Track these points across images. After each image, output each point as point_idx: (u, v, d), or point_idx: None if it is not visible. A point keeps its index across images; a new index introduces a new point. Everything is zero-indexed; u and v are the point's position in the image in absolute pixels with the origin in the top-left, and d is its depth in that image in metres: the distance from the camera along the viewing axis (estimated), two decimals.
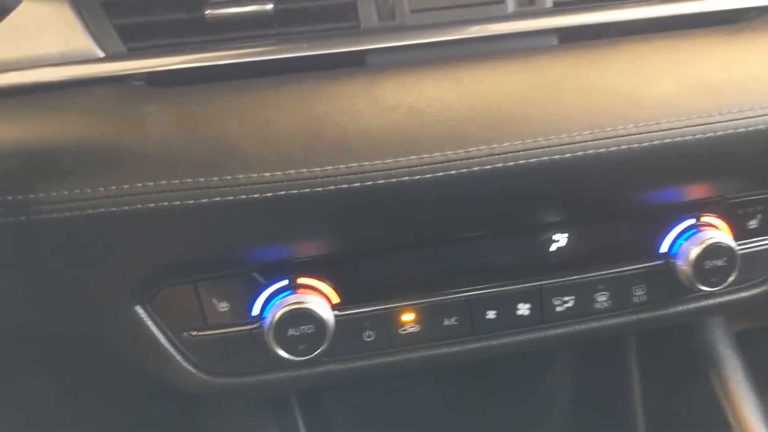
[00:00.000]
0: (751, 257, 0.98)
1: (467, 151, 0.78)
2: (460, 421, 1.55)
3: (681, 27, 0.90)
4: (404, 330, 0.94)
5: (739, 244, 0.95)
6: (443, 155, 0.78)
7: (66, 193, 0.77)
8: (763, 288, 1.03)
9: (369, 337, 0.93)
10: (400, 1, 0.87)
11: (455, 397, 1.56)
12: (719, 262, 0.92)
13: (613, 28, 0.90)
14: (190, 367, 0.92)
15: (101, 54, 0.83)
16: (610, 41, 0.89)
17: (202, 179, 0.76)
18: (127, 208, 0.77)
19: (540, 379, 1.59)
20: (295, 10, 0.86)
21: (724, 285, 0.94)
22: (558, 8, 0.90)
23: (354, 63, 0.86)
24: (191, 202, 0.76)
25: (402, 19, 0.87)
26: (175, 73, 0.83)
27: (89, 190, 0.77)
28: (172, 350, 0.91)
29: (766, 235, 0.99)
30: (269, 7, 0.84)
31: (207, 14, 0.84)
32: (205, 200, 0.77)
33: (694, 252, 0.92)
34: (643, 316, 1.00)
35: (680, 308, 1.01)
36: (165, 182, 0.76)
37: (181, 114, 0.79)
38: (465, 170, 0.79)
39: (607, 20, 0.89)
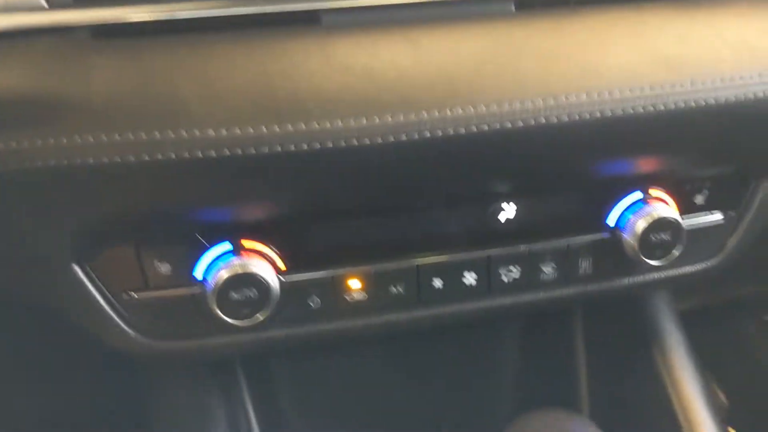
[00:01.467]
0: (696, 232, 1.00)
1: (418, 116, 0.77)
2: (406, 389, 1.56)
3: None
4: (350, 297, 0.93)
5: (685, 219, 0.96)
6: (393, 119, 0.77)
7: (2, 145, 0.74)
8: (708, 263, 1.05)
9: (314, 303, 0.92)
10: None
11: (402, 366, 1.57)
12: (665, 236, 0.93)
13: None
14: (129, 330, 0.90)
15: (45, 4, 0.79)
16: (569, 10, 0.87)
17: (143, 135, 0.74)
18: (65, 162, 0.74)
19: (486, 356, 1.60)
20: None
21: (669, 259, 0.96)
22: None
23: (308, 21, 0.84)
24: (132, 158, 0.74)
25: None
26: (123, 26, 0.80)
27: (26, 143, 0.74)
28: (110, 311, 0.89)
29: (711, 210, 1.01)
30: None
31: None
32: (146, 157, 0.74)
33: (641, 225, 0.93)
34: (589, 288, 1.01)
35: (625, 281, 1.02)
36: (105, 137, 0.74)
37: (127, 68, 0.76)
38: (415, 135, 0.77)
39: None
